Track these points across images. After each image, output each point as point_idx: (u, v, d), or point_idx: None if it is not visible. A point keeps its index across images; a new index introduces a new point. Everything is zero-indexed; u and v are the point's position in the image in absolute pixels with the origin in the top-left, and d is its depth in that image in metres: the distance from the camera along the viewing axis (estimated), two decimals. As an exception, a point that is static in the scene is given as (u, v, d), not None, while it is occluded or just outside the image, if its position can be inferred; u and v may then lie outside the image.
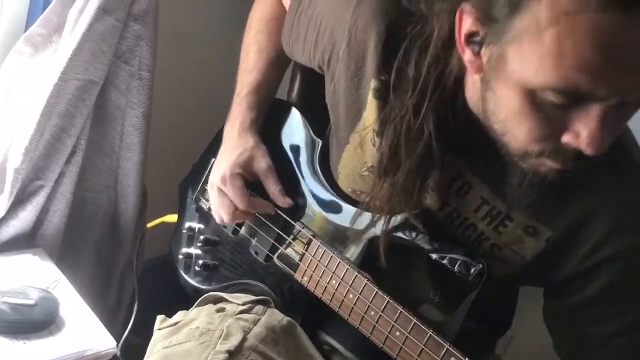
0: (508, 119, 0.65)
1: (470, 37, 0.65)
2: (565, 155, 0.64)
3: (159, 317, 0.91)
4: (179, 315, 0.91)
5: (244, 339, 0.81)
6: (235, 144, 0.97)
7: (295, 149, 0.99)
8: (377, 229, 0.83)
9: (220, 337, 0.81)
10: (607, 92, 0.57)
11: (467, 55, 0.66)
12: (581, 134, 0.60)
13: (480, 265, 0.77)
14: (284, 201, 0.94)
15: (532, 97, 0.60)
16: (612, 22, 0.53)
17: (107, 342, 1.01)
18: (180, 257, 1.07)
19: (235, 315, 0.86)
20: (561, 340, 0.84)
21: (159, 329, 0.89)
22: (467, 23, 0.64)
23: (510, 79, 0.61)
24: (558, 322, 0.84)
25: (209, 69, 1.45)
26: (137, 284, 1.18)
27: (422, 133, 0.74)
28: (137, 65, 1.16)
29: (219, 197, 0.95)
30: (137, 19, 1.13)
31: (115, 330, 1.08)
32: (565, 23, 0.54)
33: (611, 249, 0.76)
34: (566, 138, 0.62)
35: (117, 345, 1.03)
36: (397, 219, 0.82)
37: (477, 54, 0.65)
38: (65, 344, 0.97)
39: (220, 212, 0.96)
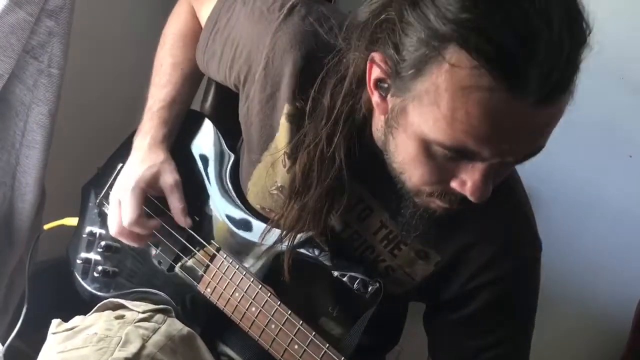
0: (405, 162, 0.71)
1: (378, 82, 0.70)
2: (452, 197, 0.72)
3: (55, 321, 0.89)
4: (76, 320, 0.89)
5: (142, 347, 0.81)
6: (145, 157, 0.96)
7: (206, 161, 1.00)
8: (283, 245, 0.86)
9: (118, 343, 0.80)
10: (491, 154, 0.64)
11: (375, 97, 0.72)
12: (467, 183, 0.68)
13: (377, 284, 0.83)
14: (185, 221, 0.94)
15: (426, 147, 0.67)
16: (500, 100, 0.60)
17: (-8, 347, 0.97)
18: (79, 262, 1.04)
19: (135, 322, 0.86)
20: (437, 349, 0.92)
21: (54, 333, 0.87)
22: (377, 71, 0.70)
23: (409, 129, 0.68)
24: (436, 331, 0.92)
25: (120, 72, 1.43)
26: (28, 287, 1.14)
27: (333, 161, 0.79)
28: (46, 61, 1.13)
29: (114, 208, 0.95)
30: (50, 15, 1.10)
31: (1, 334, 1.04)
32: (460, 95, 0.61)
33: (489, 275, 0.85)
34: (454, 184, 0.69)
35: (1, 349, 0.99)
36: (302, 237, 0.85)
37: (383, 99, 0.71)
38: (-54, 346, 0.92)
39: (111, 223, 0.95)
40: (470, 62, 0.60)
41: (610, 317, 1.46)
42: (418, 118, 0.66)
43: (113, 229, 0.95)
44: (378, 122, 0.76)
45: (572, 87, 0.62)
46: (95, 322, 0.86)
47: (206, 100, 1.19)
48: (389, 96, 0.70)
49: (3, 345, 1.01)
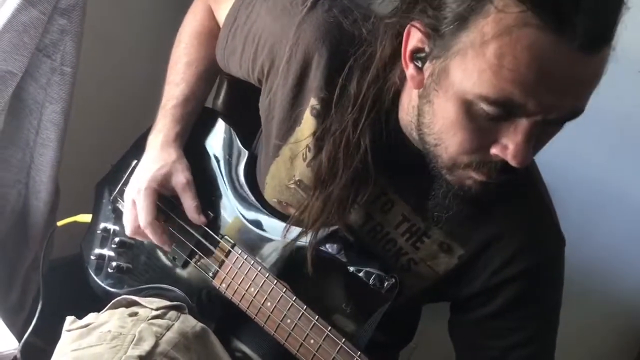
0: (443, 130, 0.70)
1: (415, 53, 0.70)
2: (491, 167, 0.70)
3: (69, 318, 0.89)
4: (90, 318, 0.89)
5: (156, 344, 0.81)
6: (157, 156, 0.96)
7: (220, 158, 1.00)
8: (302, 240, 0.86)
9: (132, 341, 0.80)
10: (536, 106, 0.63)
11: (410, 71, 0.71)
12: (509, 146, 0.67)
13: (393, 280, 0.82)
14: (199, 219, 0.94)
15: (467, 108, 0.66)
16: (548, 43, 0.60)
17: (8, 343, 0.97)
18: (93, 258, 1.04)
19: (148, 320, 0.86)
20: (464, 352, 0.91)
21: (68, 330, 0.87)
22: (414, 39, 0.69)
23: (450, 91, 0.67)
24: (462, 335, 0.91)
25: (133, 70, 1.44)
26: (44, 285, 1.14)
27: (359, 147, 0.79)
28: (59, 60, 1.13)
29: (129, 208, 0.95)
30: (63, 13, 1.10)
31: (15, 331, 1.04)
32: (508, 40, 0.60)
33: (513, 269, 0.84)
34: (494, 150, 0.68)
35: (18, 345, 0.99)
36: (325, 231, 0.85)
37: (419, 70, 0.70)
38: (-37, 343, 0.93)
39: (126, 222, 0.95)
40: (517, 5, 0.60)
41: (631, 313, 1.44)
42: (461, 74, 0.65)
43: (128, 229, 0.96)
44: (408, 104, 0.76)
45: (613, 40, 0.62)
46: (108, 320, 0.86)
47: (218, 97, 1.19)
48: (427, 64, 0.69)
49: (19, 342, 1.01)
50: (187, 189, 0.95)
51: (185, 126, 1.00)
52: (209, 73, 1.04)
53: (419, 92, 0.72)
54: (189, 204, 0.94)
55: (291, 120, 0.86)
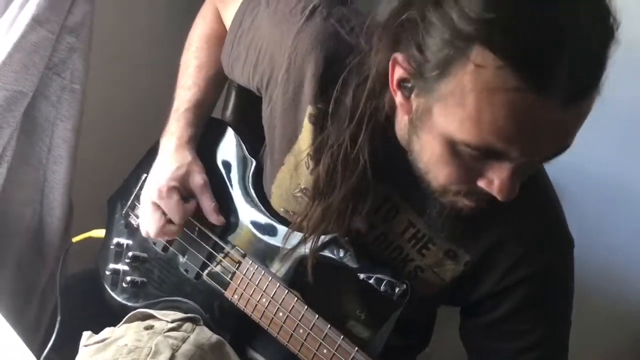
0: (431, 162, 0.70)
1: (401, 82, 0.69)
2: (479, 196, 0.71)
3: (85, 333, 0.90)
4: (106, 332, 0.90)
5: (172, 357, 0.81)
6: (172, 158, 0.97)
7: (229, 168, 1.01)
8: (307, 249, 0.86)
9: (148, 354, 0.81)
10: (519, 154, 0.63)
11: (398, 98, 0.71)
12: (494, 182, 0.67)
13: (405, 286, 0.82)
14: (217, 219, 0.95)
15: (452, 147, 0.66)
16: (527, 101, 0.59)
17: (26, 360, 0.98)
18: (108, 273, 1.05)
19: (164, 332, 0.86)
20: (476, 356, 0.90)
21: (86, 346, 0.87)
22: (399, 71, 0.69)
23: (435, 130, 0.67)
24: (473, 339, 0.90)
25: (141, 85, 1.45)
26: (62, 301, 1.15)
27: (357, 162, 0.78)
28: (69, 77, 1.15)
29: (153, 211, 0.95)
30: (71, 32, 1.12)
31: (33, 349, 1.05)
32: (486, 96, 0.60)
33: (520, 273, 0.83)
34: (481, 183, 0.68)
35: (37, 363, 1.00)
36: (325, 238, 0.85)
37: (407, 98, 0.70)
38: (-18, 361, 0.94)
39: (149, 226, 0.95)
40: (495, 62, 0.58)
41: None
42: (443, 119, 0.65)
43: (153, 230, 0.95)
44: (402, 122, 0.75)
45: (600, 86, 0.61)
46: (125, 334, 0.87)
47: (227, 107, 1.20)
48: (412, 96, 0.69)
49: (38, 359, 1.02)
50: (205, 189, 0.95)
51: (197, 130, 1.01)
52: (219, 77, 1.04)
53: (408, 118, 0.71)
54: (208, 204, 0.95)
55: (292, 129, 0.86)
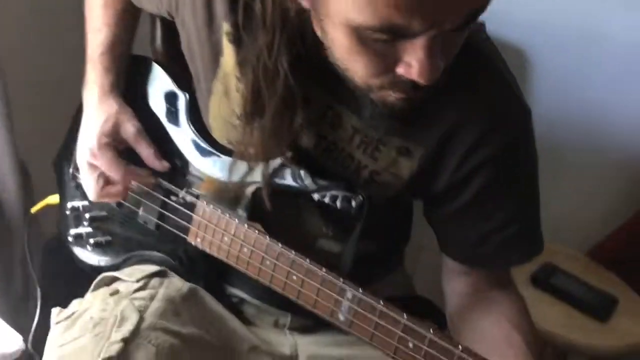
0: (344, 57, 0.65)
1: None
2: (404, 85, 0.64)
3: (54, 310, 0.86)
4: (74, 305, 0.86)
5: (140, 320, 0.77)
6: (98, 111, 0.90)
7: (162, 108, 0.94)
8: (258, 178, 0.81)
9: (114, 324, 0.77)
10: (422, 25, 0.56)
11: None
12: (412, 65, 0.60)
13: (360, 197, 0.78)
14: (160, 165, 0.89)
15: (357, 35, 0.60)
16: None
17: (13, 343, 0.97)
18: (71, 238, 1.02)
19: (130, 295, 0.82)
20: (445, 241, 0.88)
21: (57, 323, 0.85)
22: None
23: (335, 19, 0.60)
24: (441, 226, 0.87)
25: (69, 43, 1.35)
26: (40, 271, 1.13)
27: (278, 72, 0.72)
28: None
29: (90, 173, 0.89)
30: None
31: (29, 321, 1.04)
32: None
33: (480, 156, 0.78)
34: (400, 70, 0.62)
35: (25, 342, 0.99)
36: (275, 163, 0.80)
37: None
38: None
39: (89, 190, 0.90)
40: None
41: (628, 157, 1.38)
42: (337, 4, 0.58)
43: (92, 193, 0.90)
44: (314, 20, 0.68)
45: None
46: (91, 305, 0.83)
47: (155, 39, 1.10)
48: None
49: (30, 333, 1.01)
50: (140, 137, 0.89)
51: (118, 73, 0.93)
52: (129, 11, 0.95)
53: (312, 15, 0.65)
54: (146, 152, 0.89)
55: (213, 53, 0.79)
